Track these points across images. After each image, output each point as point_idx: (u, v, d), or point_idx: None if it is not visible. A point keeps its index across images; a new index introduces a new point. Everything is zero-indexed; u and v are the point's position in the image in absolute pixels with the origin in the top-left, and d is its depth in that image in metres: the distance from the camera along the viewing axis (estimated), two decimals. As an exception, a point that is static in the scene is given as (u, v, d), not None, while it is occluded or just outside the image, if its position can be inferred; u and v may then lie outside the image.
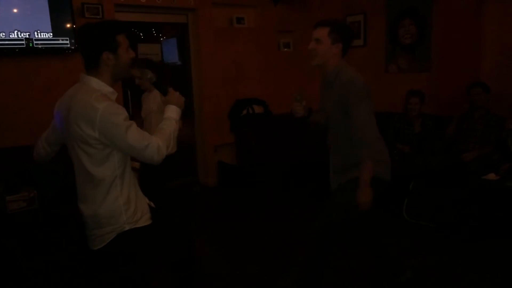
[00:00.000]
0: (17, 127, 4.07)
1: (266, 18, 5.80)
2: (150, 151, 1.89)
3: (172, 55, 5.67)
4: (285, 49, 6.05)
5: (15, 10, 3.91)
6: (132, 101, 4.88)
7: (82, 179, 1.99)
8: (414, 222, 4.01)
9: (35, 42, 3.98)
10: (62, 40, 4.12)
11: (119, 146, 1.89)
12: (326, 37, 2.41)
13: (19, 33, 3.89)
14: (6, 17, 3.85)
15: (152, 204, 2.19)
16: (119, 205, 1.96)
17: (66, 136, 2.00)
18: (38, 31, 3.98)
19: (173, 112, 2.11)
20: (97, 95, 1.87)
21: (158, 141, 1.93)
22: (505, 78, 4.39)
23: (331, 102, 2.50)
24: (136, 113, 4.19)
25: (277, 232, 4.01)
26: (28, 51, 4.00)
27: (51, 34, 4.05)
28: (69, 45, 4.16)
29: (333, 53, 2.44)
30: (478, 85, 4.19)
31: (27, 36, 3.94)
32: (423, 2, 4.91)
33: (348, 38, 2.49)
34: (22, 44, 3.93)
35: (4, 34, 3.83)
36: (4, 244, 3.19)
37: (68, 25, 4.15)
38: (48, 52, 4.10)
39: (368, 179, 2.32)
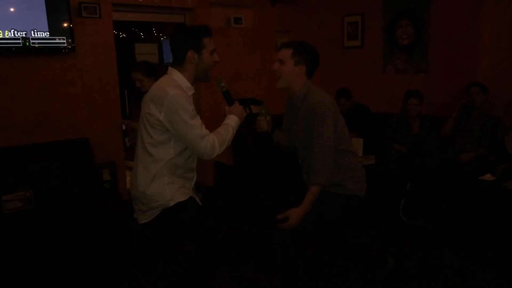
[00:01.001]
0: (13, 127, 4.06)
1: (263, 19, 5.80)
2: (205, 143, 2.10)
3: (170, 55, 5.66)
4: (283, 50, 6.04)
5: (11, 9, 3.89)
6: (129, 102, 4.88)
7: (140, 156, 2.21)
8: (411, 223, 4.02)
9: (31, 41, 3.96)
10: (59, 39, 4.11)
11: (179, 132, 2.08)
12: (289, 59, 2.40)
13: (15, 32, 3.88)
14: (2, 16, 3.83)
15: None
16: (164, 183, 2.16)
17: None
18: (35, 30, 3.97)
19: (232, 121, 2.32)
20: (174, 84, 2.12)
21: (214, 138, 2.14)
22: (502, 79, 4.41)
23: (298, 125, 2.48)
24: (133, 114, 4.18)
25: (274, 234, 4.00)
26: (25, 51, 3.97)
27: (48, 33, 4.03)
28: (66, 45, 4.15)
29: (296, 74, 2.41)
30: (476, 85, 4.21)
31: (24, 35, 3.92)
32: (421, 3, 4.92)
33: (312, 60, 2.44)
34: (19, 43, 3.91)
35: (0, 33, 3.82)
36: (0, 244, 3.17)
37: (65, 25, 4.13)
38: (45, 51, 4.09)
39: (308, 205, 2.34)
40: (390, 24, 5.28)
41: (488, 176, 3.71)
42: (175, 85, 2.12)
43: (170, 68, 2.24)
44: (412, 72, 5.10)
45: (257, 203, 4.86)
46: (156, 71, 3.79)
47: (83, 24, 4.34)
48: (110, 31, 4.60)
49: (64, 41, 4.14)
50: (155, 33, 6.28)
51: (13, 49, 3.90)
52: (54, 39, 4.08)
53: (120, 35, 5.93)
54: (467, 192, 3.69)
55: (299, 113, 2.46)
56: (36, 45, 4.00)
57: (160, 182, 2.17)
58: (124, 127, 4.30)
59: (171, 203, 2.18)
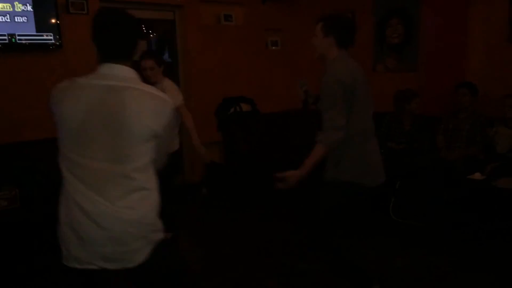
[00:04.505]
0: (-1, 125, 3.98)
1: (254, 16, 5.77)
2: None
3: (161, 52, 5.60)
4: (273, 48, 6.02)
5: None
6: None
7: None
8: (401, 222, 4.02)
9: (18, 37, 3.89)
10: (46, 36, 4.04)
11: (167, 138, 1.89)
12: (319, 31, 2.57)
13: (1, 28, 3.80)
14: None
15: None
16: None
17: None
18: (21, 27, 3.89)
19: None
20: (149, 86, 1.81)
21: None
22: (491, 78, 4.43)
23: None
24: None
25: (265, 231, 3.99)
26: (11, 47, 3.90)
27: (35, 29, 3.97)
28: (53, 41, 4.08)
29: (326, 45, 2.55)
30: (465, 86, 4.21)
31: (10, 32, 3.84)
32: (411, 2, 4.93)
33: (341, 31, 2.55)
34: (5, 39, 3.83)
35: (-15, 29, 3.74)
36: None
37: (52, 21, 4.06)
38: (32, 48, 4.01)
39: (311, 163, 2.41)
40: (380, 23, 5.29)
41: (477, 175, 3.73)
42: (158, 90, 1.79)
43: (126, 68, 1.70)
44: (402, 71, 5.11)
45: (247, 202, 4.83)
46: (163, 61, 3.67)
47: (71, 20, 4.27)
48: (99, 27, 4.54)
49: (51, 37, 4.07)
50: (144, 30, 6.22)
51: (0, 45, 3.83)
52: (41, 35, 4.01)
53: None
54: (457, 191, 3.70)
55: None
56: (23, 42, 3.92)
57: None
58: None
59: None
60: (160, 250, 1.70)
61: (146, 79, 3.60)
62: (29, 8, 3.91)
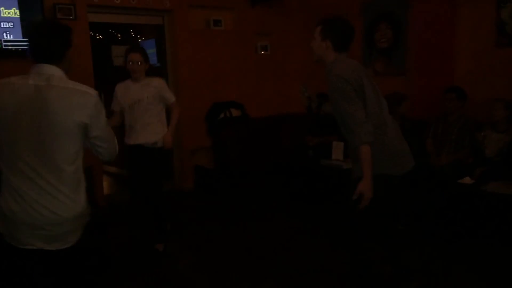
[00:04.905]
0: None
1: (243, 21, 5.76)
2: (115, 140, 2.06)
3: (150, 57, 5.55)
4: (263, 52, 6.02)
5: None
6: (106, 105, 4.76)
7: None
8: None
9: (4, 43, 3.84)
10: (33, 41, 3.99)
11: (103, 131, 1.98)
12: (318, 35, 2.62)
13: (-14, 34, 3.76)
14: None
15: None
16: None
17: None
18: (7, 33, 3.84)
19: None
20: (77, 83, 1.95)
21: None
22: (478, 82, 4.47)
23: (330, 96, 2.64)
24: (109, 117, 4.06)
25: (256, 236, 3.97)
26: (-3, 53, 3.85)
27: (21, 35, 3.92)
28: (40, 47, 4.03)
29: (323, 48, 2.59)
30: (452, 90, 4.23)
31: (-4, 37, 3.80)
32: (399, 6, 4.96)
33: (338, 35, 2.59)
34: (-10, 45, 3.79)
35: (-30, 35, 3.69)
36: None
37: (39, 26, 4.02)
38: (19, 53, 3.96)
39: (367, 170, 2.38)
40: (369, 27, 5.31)
41: (466, 179, 3.75)
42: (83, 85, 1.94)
43: (53, 67, 1.87)
44: (391, 75, 5.13)
45: (238, 207, 4.81)
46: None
47: (58, 25, 4.23)
48: (86, 33, 4.50)
49: (38, 43, 4.02)
50: (132, 34, 6.17)
51: (-15, 51, 3.78)
52: (27, 41, 3.96)
53: (97, 36, 5.81)
54: (447, 195, 3.71)
55: (329, 87, 2.58)
56: (9, 48, 3.87)
57: None
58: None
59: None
60: (87, 233, 1.99)
61: (131, 73, 3.59)
62: (16, 13, 3.86)
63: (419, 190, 3.86)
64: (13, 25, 3.86)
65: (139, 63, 3.52)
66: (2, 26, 3.82)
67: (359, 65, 2.65)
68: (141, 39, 6.15)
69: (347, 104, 2.43)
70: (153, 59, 5.55)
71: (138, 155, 3.62)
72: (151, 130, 3.59)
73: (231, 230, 4.15)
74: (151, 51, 5.46)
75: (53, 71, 1.86)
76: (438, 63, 4.69)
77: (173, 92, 5.36)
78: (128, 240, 3.92)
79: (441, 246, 3.59)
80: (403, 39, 4.98)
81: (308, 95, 2.92)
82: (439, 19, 4.64)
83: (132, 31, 6.08)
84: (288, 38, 6.07)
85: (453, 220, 3.66)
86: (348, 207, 2.57)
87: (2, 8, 3.82)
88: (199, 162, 5.53)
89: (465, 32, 4.57)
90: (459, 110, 4.19)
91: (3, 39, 3.83)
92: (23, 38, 3.93)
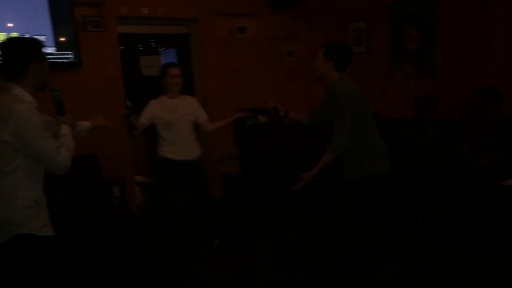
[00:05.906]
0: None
1: (267, 27, 5.77)
2: (61, 155, 2.05)
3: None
4: (288, 58, 6.02)
5: (17, 25, 3.88)
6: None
7: None
8: (430, 231, 3.91)
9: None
10: (66, 54, 4.10)
11: (33, 148, 1.99)
12: (321, 56, 2.95)
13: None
14: (9, 33, 3.82)
15: None
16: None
17: None
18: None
19: (67, 131, 2.24)
20: (18, 100, 2.00)
21: (64, 149, 2.09)
22: (513, 81, 4.33)
23: (331, 110, 2.93)
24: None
25: (286, 245, 3.93)
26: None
27: (55, 48, 4.03)
28: (73, 59, 4.13)
29: (326, 68, 2.93)
30: (486, 91, 4.13)
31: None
32: (427, 7, 4.88)
33: (339, 57, 2.93)
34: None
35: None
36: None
37: (71, 39, 4.11)
38: (52, 66, 4.05)
39: (320, 169, 2.87)
40: (396, 30, 5.24)
41: (510, 182, 3.62)
42: (20, 101, 2.00)
43: (7, 83, 2.03)
44: (421, 77, 5.04)
45: (268, 216, 4.78)
46: None
47: (89, 38, 4.33)
48: (116, 44, 4.59)
49: (71, 55, 4.12)
50: (153, 44, 6.26)
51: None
52: (61, 54, 4.07)
53: (121, 47, 5.93)
54: (488, 198, 3.59)
55: (331, 100, 2.92)
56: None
57: None
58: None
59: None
60: (18, 244, 2.03)
61: (170, 87, 3.69)
62: (48, 28, 3.98)
63: (460, 194, 3.76)
64: (47, 38, 3.96)
65: (180, 77, 3.67)
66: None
67: (358, 85, 2.95)
68: (162, 48, 6.23)
69: (340, 119, 2.81)
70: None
71: (181, 169, 3.75)
72: (195, 145, 3.86)
73: (260, 239, 4.10)
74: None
75: (13, 89, 2.02)
76: (470, 63, 4.58)
77: (200, 99, 5.46)
78: (165, 247, 3.93)
79: (481, 254, 3.47)
80: (432, 40, 4.88)
81: (274, 106, 3.40)
82: (469, 17, 4.54)
83: (152, 41, 6.17)
84: (312, 43, 6.05)
85: (498, 224, 3.52)
86: (343, 208, 2.99)
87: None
88: (227, 170, 5.55)
89: (499, 31, 4.43)
90: (495, 110, 4.08)
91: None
92: (57, 51, 4.04)
